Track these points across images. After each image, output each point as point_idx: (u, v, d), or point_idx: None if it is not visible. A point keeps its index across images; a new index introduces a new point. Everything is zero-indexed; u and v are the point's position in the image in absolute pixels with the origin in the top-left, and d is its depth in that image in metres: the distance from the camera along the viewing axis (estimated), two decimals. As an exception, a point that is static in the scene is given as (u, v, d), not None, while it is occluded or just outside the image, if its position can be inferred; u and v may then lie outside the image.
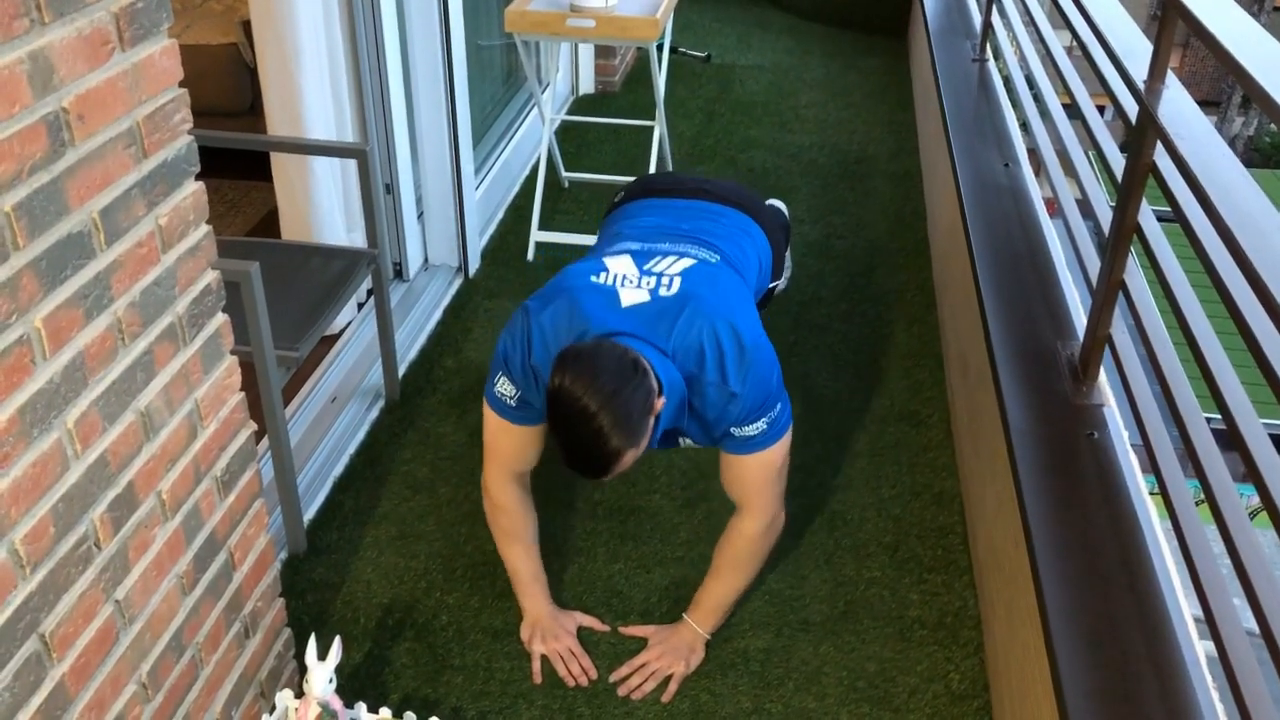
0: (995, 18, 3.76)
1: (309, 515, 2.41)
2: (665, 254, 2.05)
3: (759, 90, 4.94)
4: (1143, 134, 1.83)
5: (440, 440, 2.66)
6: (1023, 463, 1.91)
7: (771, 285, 2.46)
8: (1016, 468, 1.91)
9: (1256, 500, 1.34)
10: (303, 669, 1.78)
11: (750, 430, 1.94)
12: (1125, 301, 1.93)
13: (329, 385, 2.78)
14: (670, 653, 2.08)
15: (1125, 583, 1.66)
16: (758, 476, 2.01)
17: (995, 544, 2.11)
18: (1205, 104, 20.26)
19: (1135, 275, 1.96)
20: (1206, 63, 21.26)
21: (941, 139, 3.51)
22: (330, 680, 1.73)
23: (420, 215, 3.28)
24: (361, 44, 2.84)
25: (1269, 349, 1.36)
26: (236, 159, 3.03)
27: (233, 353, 1.60)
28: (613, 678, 2.07)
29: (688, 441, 2.05)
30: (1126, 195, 1.90)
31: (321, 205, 2.80)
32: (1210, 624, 1.41)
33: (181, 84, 1.39)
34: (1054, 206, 2.58)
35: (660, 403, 1.81)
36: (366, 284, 2.84)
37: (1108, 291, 1.96)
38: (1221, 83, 21.28)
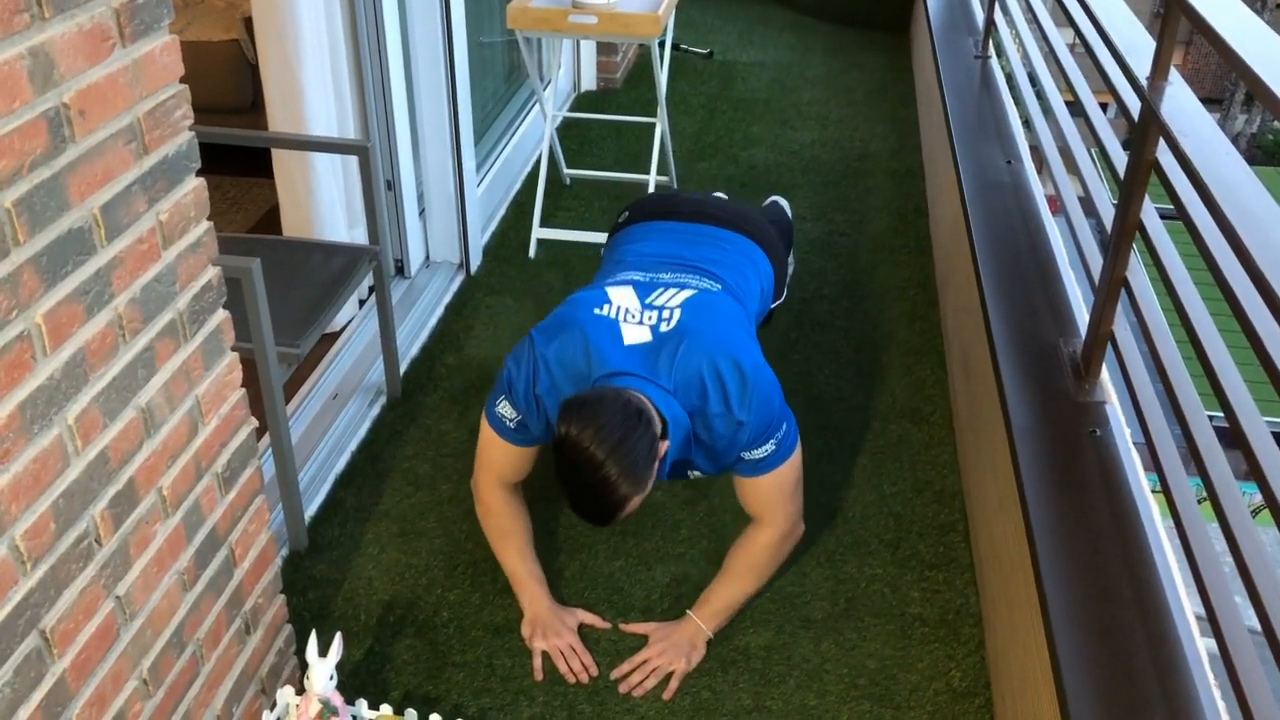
0: (998, 14, 3.76)
1: (310, 512, 2.41)
2: (667, 285, 2.12)
3: (761, 87, 4.93)
4: (1145, 131, 1.83)
5: (441, 437, 2.66)
6: (1024, 460, 1.91)
7: (773, 305, 2.52)
8: (1018, 465, 1.91)
9: (1259, 498, 1.34)
10: (304, 666, 1.78)
11: (760, 453, 2.01)
12: (1127, 298, 1.93)
13: (330, 382, 2.78)
14: (671, 650, 2.08)
15: (1127, 580, 1.66)
16: (772, 495, 2.09)
17: (997, 541, 2.11)
18: (1208, 101, 20.23)
19: (1137, 272, 1.95)
20: (1210, 60, 21.23)
21: (944, 136, 3.51)
22: (331, 677, 1.73)
23: (422, 212, 3.27)
24: (363, 40, 2.84)
25: (1271, 346, 1.36)
26: (238, 156, 3.03)
27: (234, 349, 1.60)
28: (614, 675, 2.07)
29: (696, 473, 2.12)
30: (1129, 192, 1.90)
31: (323, 202, 2.80)
32: (1212, 622, 1.41)
33: (183, 80, 1.39)
34: (1056, 203, 2.58)
35: (664, 446, 1.88)
36: (368, 281, 2.84)
37: (1110, 288, 1.96)
38: (1224, 80, 21.25)
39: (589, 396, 1.83)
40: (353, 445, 2.62)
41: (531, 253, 3.46)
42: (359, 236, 2.95)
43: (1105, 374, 2.09)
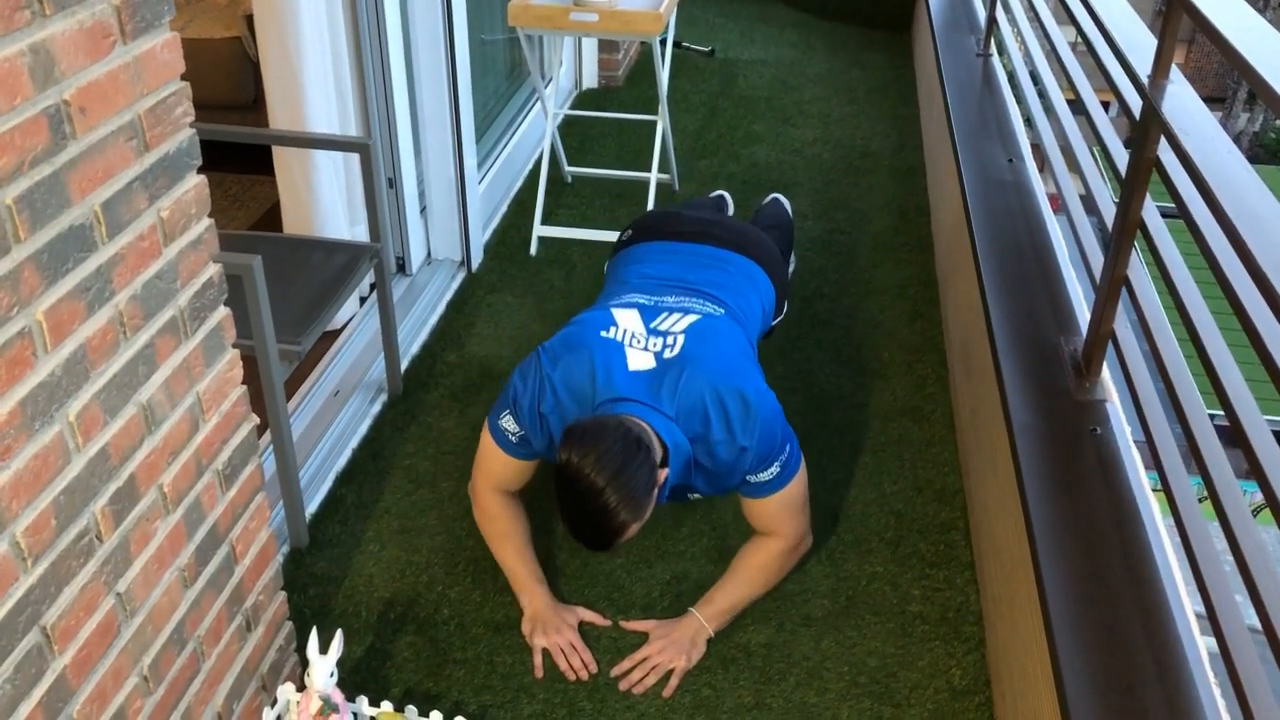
0: (999, 13, 3.76)
1: (311, 509, 2.41)
2: (671, 310, 2.16)
3: (762, 85, 4.93)
4: (1146, 129, 1.83)
5: (442, 435, 2.66)
6: (1025, 458, 1.91)
7: (774, 323, 2.55)
8: (1019, 463, 1.91)
9: (1259, 497, 1.34)
10: (304, 663, 1.78)
11: (765, 476, 2.05)
12: (1128, 297, 1.93)
13: (331, 379, 2.79)
14: (671, 647, 2.09)
15: (1127, 579, 1.66)
16: (779, 513, 2.13)
17: (997, 539, 2.11)
18: (1210, 100, 20.20)
19: (1138, 271, 1.95)
20: (1211, 58, 21.22)
21: (945, 134, 3.51)
22: (332, 674, 1.74)
23: (423, 209, 3.28)
24: (364, 38, 2.84)
25: (1272, 345, 1.36)
26: (239, 153, 3.02)
27: (235, 346, 1.60)
28: (614, 672, 2.07)
29: (696, 495, 2.16)
30: (1130, 191, 1.90)
31: (324, 199, 2.80)
32: (1212, 620, 1.41)
33: (184, 77, 1.39)
34: (1057, 202, 2.58)
35: (664, 474, 1.91)
36: (369, 278, 2.84)
37: (1111, 287, 1.96)
38: (1226, 79, 21.25)
39: (590, 425, 1.86)
40: (354, 442, 2.62)
41: (533, 250, 3.46)
42: (360, 234, 2.95)
43: (1106, 372, 2.09)
